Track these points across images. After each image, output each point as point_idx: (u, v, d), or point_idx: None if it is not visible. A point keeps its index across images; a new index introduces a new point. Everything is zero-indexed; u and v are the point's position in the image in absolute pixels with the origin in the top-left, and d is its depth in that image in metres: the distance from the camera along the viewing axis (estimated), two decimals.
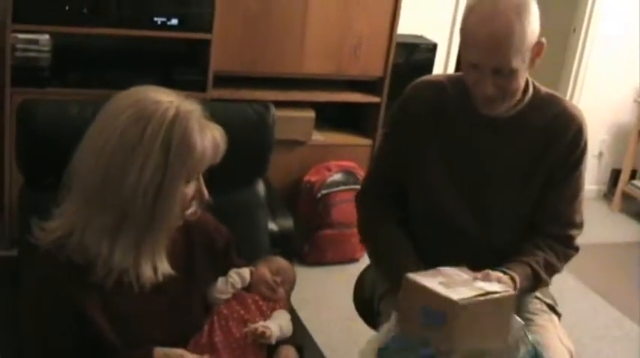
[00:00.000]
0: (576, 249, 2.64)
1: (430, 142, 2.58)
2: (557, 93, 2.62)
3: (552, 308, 2.69)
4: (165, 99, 1.97)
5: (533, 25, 2.33)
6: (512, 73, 2.35)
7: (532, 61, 2.39)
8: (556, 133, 2.51)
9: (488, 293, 2.17)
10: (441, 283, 2.21)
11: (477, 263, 2.36)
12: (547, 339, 2.51)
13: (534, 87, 2.55)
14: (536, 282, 2.51)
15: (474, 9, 2.36)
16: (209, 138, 2.00)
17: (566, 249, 2.60)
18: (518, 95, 2.49)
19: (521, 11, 2.30)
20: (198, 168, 2.02)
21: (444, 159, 2.57)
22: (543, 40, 2.39)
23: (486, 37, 2.30)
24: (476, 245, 2.55)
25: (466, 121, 2.54)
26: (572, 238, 2.61)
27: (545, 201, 2.56)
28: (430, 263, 2.38)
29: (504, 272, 2.38)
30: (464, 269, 2.36)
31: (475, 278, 2.26)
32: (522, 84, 2.45)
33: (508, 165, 2.54)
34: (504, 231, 2.58)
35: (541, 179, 2.54)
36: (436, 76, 2.74)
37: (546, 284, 2.60)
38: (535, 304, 2.66)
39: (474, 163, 2.55)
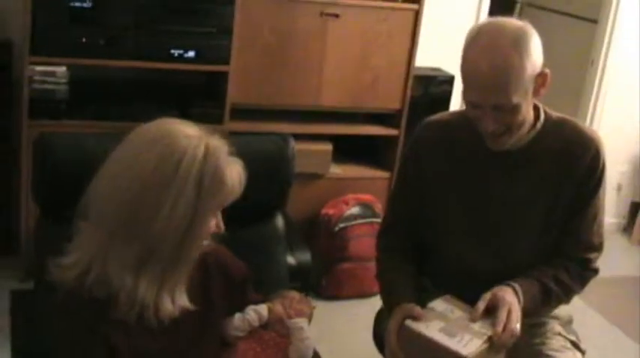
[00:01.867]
0: (595, 271, 2.58)
1: (444, 182, 2.56)
2: (568, 117, 2.57)
3: (576, 345, 2.64)
4: (194, 133, 1.96)
5: (533, 56, 2.29)
6: (515, 108, 2.32)
7: (537, 91, 2.36)
8: (573, 157, 2.47)
9: (489, 337, 2.23)
10: (442, 330, 2.27)
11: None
12: None
13: (545, 113, 2.52)
14: (545, 296, 2.45)
15: (470, 46, 2.33)
16: (236, 174, 1.99)
17: (582, 270, 2.54)
18: (528, 125, 2.45)
19: (518, 45, 2.26)
20: (224, 203, 2.01)
21: (460, 201, 2.54)
22: (547, 70, 2.34)
23: (483, 76, 2.27)
24: (496, 284, 2.44)
25: (478, 159, 2.51)
26: (589, 260, 2.55)
27: (567, 226, 2.52)
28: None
29: (510, 286, 2.37)
30: (449, 300, 2.39)
31: (470, 314, 2.31)
32: (528, 115, 2.42)
33: (528, 199, 2.49)
34: (527, 268, 2.51)
35: (563, 210, 2.49)
36: (443, 114, 2.71)
37: (560, 301, 2.53)
38: (559, 341, 2.60)
39: (492, 203, 2.52)
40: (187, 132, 1.95)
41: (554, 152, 2.48)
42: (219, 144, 1.98)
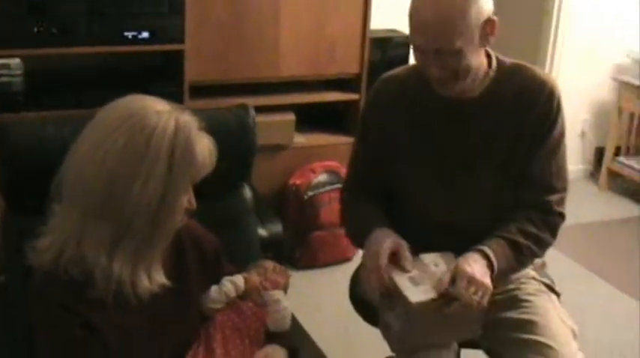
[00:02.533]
0: (559, 214, 2.53)
1: (402, 136, 2.57)
2: (523, 63, 2.58)
3: (551, 288, 2.66)
4: (165, 109, 1.96)
5: (478, 2, 2.29)
6: (458, 53, 2.32)
7: (485, 39, 2.36)
8: (528, 101, 2.48)
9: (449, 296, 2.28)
10: (411, 278, 2.35)
11: (460, 251, 2.39)
12: (549, 320, 2.50)
13: (498, 60, 2.53)
14: (517, 252, 2.43)
15: None
16: (206, 148, 1.99)
17: (546, 215, 2.50)
18: (481, 73, 2.47)
19: None
20: (196, 178, 2.01)
21: (419, 150, 2.55)
22: (494, 17, 2.35)
23: (427, 19, 2.29)
24: (463, 234, 2.48)
25: (433, 108, 2.52)
26: (550, 203, 2.50)
27: (523, 171, 2.51)
28: (413, 253, 2.42)
29: (480, 251, 2.37)
30: (448, 256, 2.40)
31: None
32: (475, 62, 2.41)
33: (485, 146, 2.51)
34: (490, 217, 2.53)
35: (519, 156, 2.50)
36: (399, 69, 2.71)
37: (534, 254, 2.50)
38: (533, 285, 2.62)
39: (450, 151, 2.53)
40: (157, 108, 1.95)
41: (508, 98, 2.49)
42: (189, 120, 1.98)
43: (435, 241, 2.49)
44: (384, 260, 2.35)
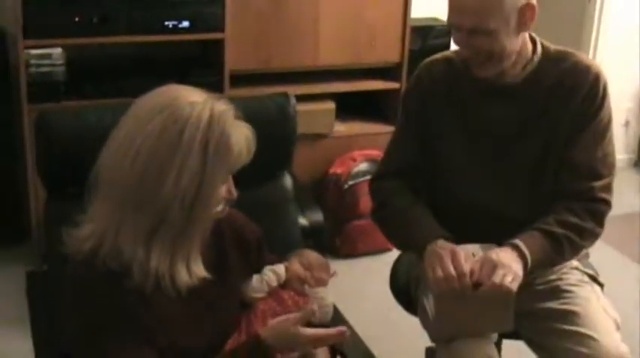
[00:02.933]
0: (604, 201, 2.47)
1: (446, 117, 2.56)
2: (568, 49, 2.55)
3: (594, 279, 2.64)
4: (199, 99, 1.93)
5: None
6: (492, 34, 2.32)
7: (523, 24, 2.35)
8: (572, 87, 2.46)
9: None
10: None
11: (501, 239, 2.38)
12: (591, 311, 2.47)
13: (543, 46, 2.51)
14: (554, 242, 2.40)
15: None
16: (243, 138, 1.96)
17: (589, 203, 2.45)
18: (521, 58, 2.46)
19: None
20: (233, 168, 1.98)
21: (461, 132, 2.55)
22: (534, 2, 2.33)
23: None
24: (499, 220, 2.48)
25: (477, 92, 2.51)
26: (593, 189, 2.45)
27: (565, 157, 2.48)
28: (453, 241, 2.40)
29: (510, 244, 2.35)
30: (488, 248, 2.38)
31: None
32: (511, 46, 2.39)
33: (526, 132, 2.49)
34: (526, 203, 2.52)
35: (562, 141, 2.47)
36: (442, 54, 2.70)
37: (575, 244, 2.45)
38: (575, 275, 2.60)
39: (490, 134, 2.52)
40: (191, 99, 1.93)
41: (552, 84, 2.47)
42: (224, 109, 1.95)
43: (473, 227, 2.49)
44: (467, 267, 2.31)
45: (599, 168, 2.47)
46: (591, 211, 2.46)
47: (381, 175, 2.72)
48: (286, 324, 2.02)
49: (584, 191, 2.46)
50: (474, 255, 2.35)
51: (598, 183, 2.46)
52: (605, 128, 2.49)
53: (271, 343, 1.99)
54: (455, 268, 2.27)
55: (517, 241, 2.35)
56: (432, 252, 2.35)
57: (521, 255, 2.32)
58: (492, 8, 2.28)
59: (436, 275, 2.29)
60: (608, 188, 2.49)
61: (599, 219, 2.48)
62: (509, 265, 2.27)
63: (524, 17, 2.34)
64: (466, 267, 2.27)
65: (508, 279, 2.25)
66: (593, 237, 2.49)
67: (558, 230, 2.40)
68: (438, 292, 2.33)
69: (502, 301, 2.29)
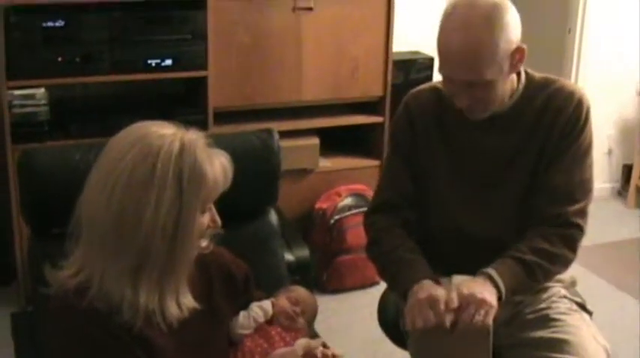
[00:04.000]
0: (577, 226, 2.46)
1: (435, 147, 2.57)
2: (552, 76, 2.57)
3: (583, 307, 2.63)
4: (168, 131, 1.93)
5: (507, 33, 2.30)
6: (488, 85, 2.34)
7: (514, 67, 2.38)
8: (556, 111, 2.47)
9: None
10: None
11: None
12: (582, 339, 2.45)
13: (527, 74, 2.52)
14: (527, 269, 2.39)
15: (444, 22, 2.34)
16: (217, 165, 1.96)
17: (561, 228, 2.44)
18: (509, 92, 2.47)
19: (491, 22, 2.27)
20: (211, 196, 1.98)
21: (450, 162, 2.56)
22: (523, 45, 2.35)
23: (455, 53, 2.30)
24: (490, 248, 2.46)
25: (464, 123, 2.51)
26: (568, 214, 2.45)
27: (543, 179, 2.48)
28: (444, 270, 2.41)
29: (482, 273, 2.34)
30: (464, 280, 2.37)
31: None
32: (504, 89, 2.43)
33: (513, 159, 2.50)
34: (516, 231, 2.51)
35: (546, 164, 2.48)
36: (429, 84, 2.72)
37: (548, 271, 2.44)
38: (565, 304, 2.58)
39: (479, 164, 2.53)
40: (161, 132, 1.92)
41: (537, 110, 2.48)
42: (194, 138, 1.94)
43: (464, 255, 2.49)
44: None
45: (575, 192, 2.48)
46: (564, 237, 2.46)
47: (374, 209, 2.71)
48: (289, 355, 2.07)
49: (558, 215, 2.46)
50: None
51: (573, 208, 2.47)
52: (585, 153, 2.50)
53: None
54: (435, 316, 2.26)
55: (490, 270, 2.35)
56: (414, 297, 2.33)
57: (495, 284, 2.32)
58: (487, 60, 2.28)
59: (416, 326, 2.28)
60: (582, 213, 2.49)
61: (571, 244, 2.47)
62: (482, 298, 2.26)
63: (514, 60, 2.35)
64: (446, 317, 2.25)
65: (481, 313, 2.24)
66: (564, 262, 2.49)
67: (530, 257, 2.40)
68: (416, 335, 2.34)
69: (479, 336, 2.29)
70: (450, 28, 2.31)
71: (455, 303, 2.25)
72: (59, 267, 1.98)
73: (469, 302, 2.25)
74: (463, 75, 2.32)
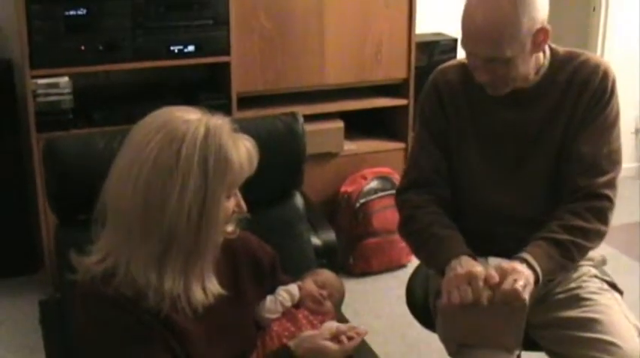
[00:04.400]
0: (606, 198, 2.45)
1: (464, 123, 2.58)
2: (576, 50, 2.56)
3: (613, 286, 2.60)
4: (193, 117, 1.92)
5: (532, 11, 2.30)
6: (510, 62, 2.34)
7: (537, 46, 2.37)
8: (582, 83, 2.47)
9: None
10: None
11: (522, 243, 2.37)
12: (613, 318, 2.44)
13: (551, 49, 2.52)
14: (562, 249, 2.37)
15: None
16: (243, 150, 1.95)
17: (590, 200, 2.43)
18: (530, 74, 2.47)
19: (516, 0, 2.27)
20: (237, 182, 1.97)
21: (479, 138, 2.56)
22: (548, 26, 2.35)
23: (477, 28, 2.31)
24: (522, 223, 2.48)
25: (491, 99, 2.51)
26: (596, 186, 2.44)
27: (571, 151, 2.48)
28: (477, 248, 2.40)
29: (523, 260, 2.31)
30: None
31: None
32: (526, 69, 2.42)
33: (541, 133, 2.51)
34: (547, 205, 2.51)
35: (573, 136, 2.48)
36: (455, 60, 2.73)
37: (583, 247, 2.42)
38: (595, 283, 2.56)
39: (507, 140, 2.53)
40: (186, 117, 1.92)
41: (564, 84, 2.49)
42: (220, 124, 1.94)
43: (496, 232, 2.51)
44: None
45: (603, 163, 2.47)
46: (594, 209, 2.44)
47: (405, 188, 2.69)
48: (316, 338, 2.05)
49: (587, 186, 2.45)
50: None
51: (601, 179, 2.45)
52: (611, 124, 2.49)
53: (300, 354, 2.02)
54: (473, 292, 2.25)
55: (525, 255, 2.33)
56: (452, 273, 2.32)
57: (531, 268, 2.30)
58: (509, 37, 2.29)
59: (452, 301, 2.27)
60: (611, 184, 2.47)
61: (602, 217, 2.45)
62: (522, 272, 2.25)
63: (538, 40, 2.35)
64: (484, 294, 2.25)
65: (520, 284, 2.23)
66: (599, 236, 2.47)
67: (563, 236, 2.39)
68: (449, 311, 2.33)
69: (515, 312, 2.28)
70: (475, 3, 2.31)
71: (495, 279, 2.24)
72: (85, 253, 1.98)
73: (509, 275, 2.24)
74: (484, 51, 2.33)
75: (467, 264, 2.32)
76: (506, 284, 2.23)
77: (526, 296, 2.23)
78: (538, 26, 2.32)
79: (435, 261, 2.49)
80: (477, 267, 2.29)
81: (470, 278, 2.26)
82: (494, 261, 2.40)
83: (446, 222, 2.53)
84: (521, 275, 2.24)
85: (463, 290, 2.25)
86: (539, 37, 2.35)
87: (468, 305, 2.25)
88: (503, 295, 2.23)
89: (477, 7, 2.30)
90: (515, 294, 2.22)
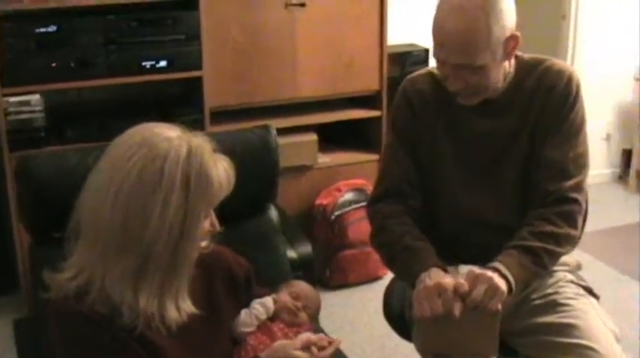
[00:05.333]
0: (574, 201, 2.46)
1: (436, 132, 2.58)
2: (542, 56, 2.58)
3: (589, 291, 2.62)
4: (173, 134, 1.92)
5: (502, 20, 2.32)
6: (480, 70, 2.36)
7: (508, 54, 2.39)
8: (547, 88, 2.49)
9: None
10: None
11: (496, 249, 2.38)
12: (590, 323, 2.45)
13: (517, 57, 2.54)
14: (534, 256, 2.37)
15: (440, 6, 2.37)
16: (222, 170, 1.95)
17: (559, 204, 2.45)
18: (499, 82, 2.48)
19: (486, 8, 2.29)
20: (215, 201, 1.97)
21: (451, 147, 2.57)
22: (518, 33, 2.37)
23: (448, 36, 2.32)
24: (494, 231, 2.49)
25: (462, 108, 2.53)
26: (564, 189, 2.45)
27: (538, 156, 2.50)
28: (452, 256, 2.41)
29: (495, 269, 2.30)
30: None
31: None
32: (497, 75, 2.44)
33: (512, 143, 2.52)
34: (518, 211, 2.52)
35: (540, 142, 2.50)
36: (424, 69, 2.73)
37: (554, 253, 2.42)
38: (572, 288, 2.57)
39: (478, 147, 2.55)
40: (167, 135, 1.91)
41: (529, 91, 2.51)
42: (201, 143, 1.94)
43: (470, 240, 2.52)
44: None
45: (569, 168, 2.48)
46: (563, 214, 2.45)
47: (376, 198, 2.69)
48: (287, 348, 2.05)
49: (555, 191, 2.46)
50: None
51: (569, 183, 2.47)
52: (577, 128, 2.51)
53: None
54: (443, 304, 2.26)
55: (497, 264, 2.33)
56: (422, 285, 2.32)
57: (503, 277, 2.30)
58: (480, 45, 2.30)
59: (424, 314, 2.28)
60: (579, 188, 2.49)
61: (571, 221, 2.47)
62: (492, 280, 2.25)
63: (508, 48, 2.37)
64: (455, 305, 2.25)
65: (490, 293, 2.24)
66: (569, 240, 2.48)
67: (535, 243, 2.39)
68: (422, 325, 2.34)
69: (487, 320, 2.28)
70: (446, 11, 2.32)
71: (465, 287, 2.25)
72: (58, 270, 1.96)
73: (479, 283, 2.25)
74: (456, 58, 2.34)
75: (436, 276, 2.32)
76: (476, 294, 2.24)
77: (498, 305, 2.24)
78: (508, 34, 2.34)
79: (405, 273, 2.50)
80: (446, 279, 2.30)
81: (439, 290, 2.27)
82: (464, 268, 2.40)
83: (416, 234, 2.53)
84: (492, 285, 2.25)
85: (433, 302, 2.26)
86: (510, 44, 2.36)
87: (441, 317, 2.26)
88: (473, 303, 2.24)
89: (448, 15, 2.31)
90: (485, 306, 2.23)
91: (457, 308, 2.25)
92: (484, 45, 2.31)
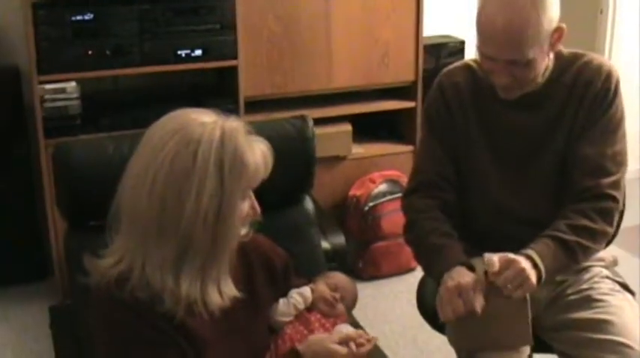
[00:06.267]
0: (612, 198, 2.45)
1: (471, 126, 2.58)
2: (580, 51, 2.57)
3: (625, 287, 2.60)
4: (209, 119, 1.92)
5: (550, 12, 2.30)
6: (530, 63, 2.35)
7: (553, 46, 2.38)
8: (586, 84, 2.48)
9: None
10: None
11: (528, 243, 2.37)
12: (625, 319, 2.43)
13: (556, 51, 2.51)
14: (567, 249, 2.37)
15: (486, 2, 2.34)
16: (258, 152, 1.94)
17: (596, 200, 2.43)
18: (538, 78, 2.46)
19: (536, 1, 2.28)
20: (252, 184, 1.96)
21: (486, 141, 2.56)
22: (563, 25, 2.36)
23: (499, 32, 2.29)
24: (528, 224, 2.48)
25: (498, 101, 2.52)
26: (601, 186, 2.44)
27: (575, 152, 2.48)
28: (485, 249, 2.37)
29: (523, 254, 2.31)
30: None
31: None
32: (541, 69, 2.43)
33: (549, 136, 2.51)
34: (552, 206, 2.51)
35: (577, 137, 2.49)
36: (464, 61, 2.72)
37: (587, 248, 2.42)
38: (607, 284, 2.55)
39: (513, 141, 2.54)
40: (201, 120, 1.91)
41: (568, 85, 2.49)
42: (235, 126, 1.93)
43: (504, 233, 2.50)
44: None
45: (607, 165, 2.46)
46: (600, 210, 2.44)
47: (410, 191, 2.70)
48: (325, 341, 2.04)
49: (592, 187, 2.45)
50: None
51: (606, 180, 2.45)
52: (616, 125, 2.49)
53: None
54: (465, 303, 2.28)
55: (530, 252, 2.33)
56: (443, 287, 2.35)
57: (535, 265, 2.30)
58: (531, 39, 2.29)
59: (446, 317, 2.32)
60: (616, 185, 2.47)
61: (608, 218, 2.46)
62: (521, 267, 2.26)
63: (553, 39, 2.36)
64: (476, 301, 2.28)
65: (519, 285, 2.25)
66: (604, 237, 2.47)
67: (570, 236, 2.39)
68: (452, 323, 2.38)
69: (515, 307, 2.30)
70: (494, 7, 2.30)
71: (495, 267, 2.25)
72: (99, 256, 1.97)
73: (511, 268, 2.25)
74: (506, 54, 2.32)
75: (457, 276, 2.33)
76: (502, 280, 2.26)
77: (524, 293, 2.26)
78: (555, 25, 2.34)
79: (430, 272, 2.55)
80: (466, 278, 2.31)
81: (460, 290, 2.28)
82: (488, 255, 2.37)
83: (444, 230, 2.53)
84: (521, 272, 2.26)
85: (454, 304, 2.28)
86: (555, 36, 2.36)
87: (466, 316, 2.27)
88: (501, 283, 2.26)
89: (497, 10, 2.29)
90: (510, 291, 2.25)
91: (478, 303, 2.26)
92: (535, 39, 2.29)
